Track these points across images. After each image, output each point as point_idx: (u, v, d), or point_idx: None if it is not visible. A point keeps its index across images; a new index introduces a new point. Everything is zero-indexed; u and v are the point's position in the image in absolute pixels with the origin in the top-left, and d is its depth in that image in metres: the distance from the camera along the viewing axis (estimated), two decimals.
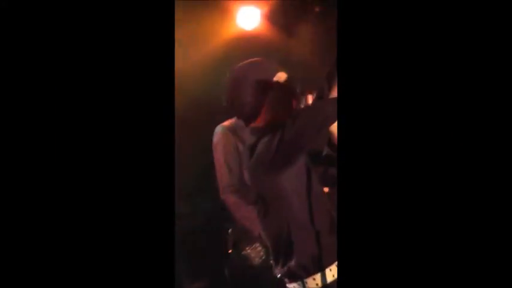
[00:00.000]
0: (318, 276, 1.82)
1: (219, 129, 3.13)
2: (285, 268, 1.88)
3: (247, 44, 4.04)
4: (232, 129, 3.08)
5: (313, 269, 1.83)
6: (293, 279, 1.86)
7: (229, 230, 3.24)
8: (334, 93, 1.71)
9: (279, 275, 1.92)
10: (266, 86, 1.90)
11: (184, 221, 3.27)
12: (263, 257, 3.10)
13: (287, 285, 1.91)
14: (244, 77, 1.92)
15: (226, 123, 3.13)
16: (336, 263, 1.83)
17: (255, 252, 3.14)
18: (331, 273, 1.83)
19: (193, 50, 3.73)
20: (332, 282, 1.82)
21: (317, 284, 1.82)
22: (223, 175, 3.09)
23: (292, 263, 1.85)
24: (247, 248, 3.15)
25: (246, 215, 3.04)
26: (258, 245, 3.14)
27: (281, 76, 1.94)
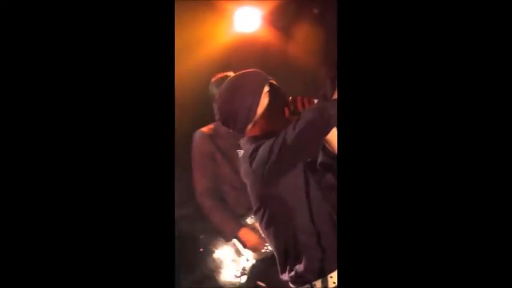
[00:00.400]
0: (325, 279, 1.84)
1: (197, 134, 3.29)
2: (293, 272, 1.89)
3: (246, 47, 4.05)
4: (210, 136, 3.26)
5: (321, 272, 1.85)
6: (302, 283, 1.88)
7: (201, 236, 3.37)
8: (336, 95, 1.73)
9: (287, 279, 1.94)
10: (257, 96, 1.93)
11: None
12: (234, 261, 3.25)
13: None
14: (235, 89, 1.96)
15: (205, 129, 3.30)
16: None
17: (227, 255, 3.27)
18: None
19: (192, 53, 3.73)
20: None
21: (325, 287, 1.84)
22: (199, 179, 3.26)
23: (300, 267, 1.87)
24: (217, 251, 3.29)
25: (221, 218, 3.23)
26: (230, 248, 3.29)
27: (271, 85, 1.98)
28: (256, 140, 1.90)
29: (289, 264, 1.90)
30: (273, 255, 3.23)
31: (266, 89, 1.96)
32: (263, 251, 3.28)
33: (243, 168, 1.93)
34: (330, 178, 1.97)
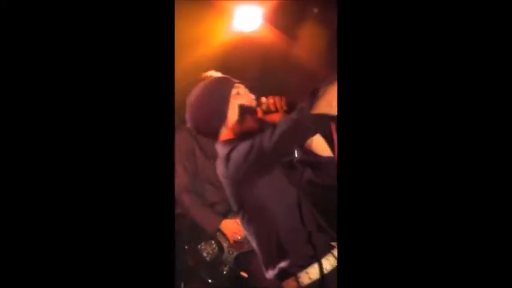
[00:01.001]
0: (310, 270, 1.86)
1: (179, 130, 3.33)
2: (277, 270, 1.91)
3: (245, 46, 4.05)
4: (192, 132, 3.30)
5: (306, 264, 1.87)
6: (286, 276, 1.90)
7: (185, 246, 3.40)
8: (315, 110, 1.75)
9: (271, 277, 1.96)
10: (225, 101, 1.98)
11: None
12: (216, 254, 3.33)
13: (281, 284, 1.95)
14: (203, 97, 2.00)
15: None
16: (327, 256, 1.88)
17: (209, 248, 3.34)
18: (324, 265, 1.86)
19: (192, 52, 3.74)
20: (325, 275, 1.85)
21: (310, 278, 1.85)
22: (179, 175, 3.29)
23: (284, 264, 1.89)
24: (202, 243, 3.34)
25: (201, 213, 3.31)
26: (212, 242, 3.36)
27: (238, 88, 2.03)
28: (231, 143, 1.94)
29: (273, 263, 1.92)
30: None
31: (234, 91, 2.01)
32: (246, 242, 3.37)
33: (220, 170, 1.96)
34: (309, 174, 2.03)
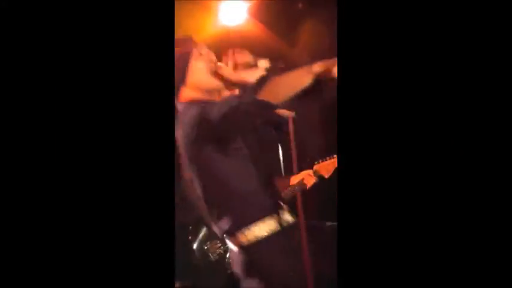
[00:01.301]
0: (254, 228, 1.91)
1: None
2: (222, 226, 1.96)
3: (232, 41, 4.06)
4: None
5: (251, 224, 1.91)
6: (231, 234, 1.95)
7: (190, 227, 3.39)
8: (260, 96, 1.78)
9: (221, 235, 2.01)
10: (186, 61, 1.99)
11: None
12: (221, 253, 3.39)
13: (228, 240, 2.01)
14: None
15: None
16: (273, 215, 1.93)
17: (214, 248, 3.38)
18: (270, 224, 1.92)
19: None
20: (270, 234, 1.91)
21: (255, 236, 1.90)
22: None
23: (229, 221, 1.94)
24: (208, 243, 3.38)
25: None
26: (218, 242, 3.41)
27: (201, 48, 2.03)
28: (188, 105, 1.95)
29: (220, 220, 1.96)
30: None
31: (196, 52, 2.01)
32: None
33: (176, 131, 1.98)
34: (270, 132, 2.09)
